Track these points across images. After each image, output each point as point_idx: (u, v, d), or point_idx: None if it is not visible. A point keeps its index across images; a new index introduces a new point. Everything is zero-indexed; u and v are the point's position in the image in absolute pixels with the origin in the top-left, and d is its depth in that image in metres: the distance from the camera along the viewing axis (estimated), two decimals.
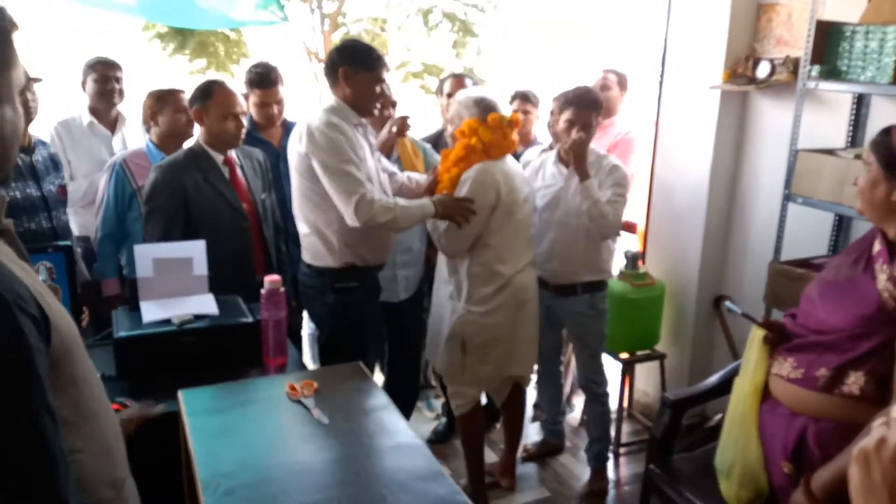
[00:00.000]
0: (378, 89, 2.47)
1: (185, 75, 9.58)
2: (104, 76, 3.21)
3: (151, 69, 9.12)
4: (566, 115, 2.75)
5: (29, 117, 2.38)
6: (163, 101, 2.91)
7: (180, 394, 1.72)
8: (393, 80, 9.38)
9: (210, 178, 2.59)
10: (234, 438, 1.53)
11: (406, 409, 3.13)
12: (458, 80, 3.39)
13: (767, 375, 1.96)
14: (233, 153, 2.69)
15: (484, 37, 9.76)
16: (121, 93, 3.28)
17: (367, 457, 1.49)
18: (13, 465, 0.84)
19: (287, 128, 3.16)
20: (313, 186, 2.39)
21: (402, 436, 1.56)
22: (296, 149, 2.41)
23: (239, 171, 2.70)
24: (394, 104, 3.04)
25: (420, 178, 2.80)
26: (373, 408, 1.69)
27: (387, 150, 2.86)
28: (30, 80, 0.98)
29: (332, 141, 2.31)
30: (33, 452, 0.85)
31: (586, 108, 2.73)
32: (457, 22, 9.41)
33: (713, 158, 3.10)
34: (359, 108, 2.45)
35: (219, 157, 2.63)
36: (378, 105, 2.56)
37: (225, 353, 2.15)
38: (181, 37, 8.75)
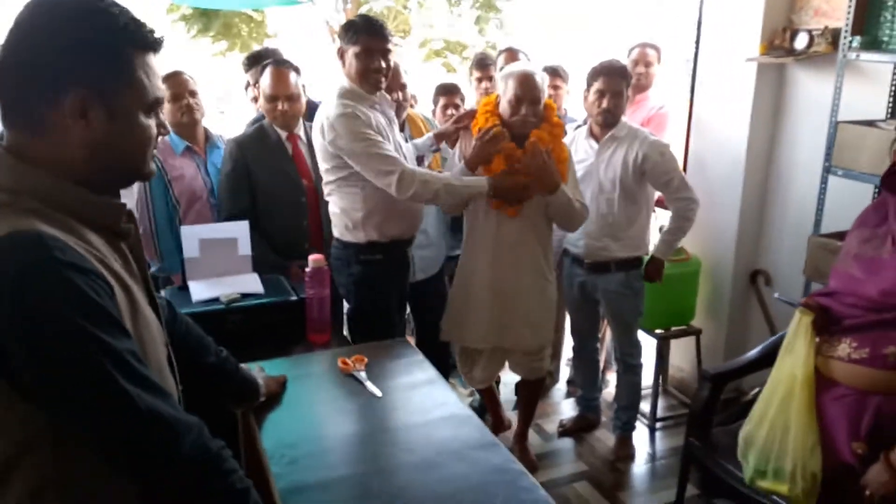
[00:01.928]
0: (372, 61, 2.37)
1: (209, 57, 9.62)
2: None
3: (175, 51, 9.17)
4: (596, 86, 2.76)
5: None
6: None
7: None
8: (414, 59, 9.35)
9: (272, 152, 2.72)
10: (294, 411, 1.59)
11: None
12: (511, 54, 3.38)
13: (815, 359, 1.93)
14: (300, 130, 2.78)
15: (507, 11, 9.66)
16: None
17: (422, 427, 1.53)
18: (102, 424, 0.89)
19: (311, 107, 3.18)
20: (337, 173, 2.44)
21: (453, 407, 1.60)
22: (318, 141, 2.44)
23: (303, 148, 2.77)
24: (402, 86, 2.93)
25: (419, 142, 2.82)
26: (423, 381, 1.73)
27: (451, 142, 2.82)
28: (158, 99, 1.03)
29: (351, 127, 2.31)
30: (116, 411, 0.89)
31: (615, 75, 2.73)
32: None
33: (750, 132, 3.08)
34: (361, 84, 2.40)
35: (283, 133, 2.74)
36: (377, 76, 2.39)
37: (271, 331, 2.21)
38: (206, 18, 8.78)
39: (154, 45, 1.01)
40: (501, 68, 3.23)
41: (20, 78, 0.94)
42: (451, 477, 1.36)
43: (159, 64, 1.04)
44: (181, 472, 0.93)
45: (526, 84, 2.47)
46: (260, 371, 1.67)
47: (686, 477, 2.51)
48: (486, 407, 3.09)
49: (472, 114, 2.70)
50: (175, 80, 2.81)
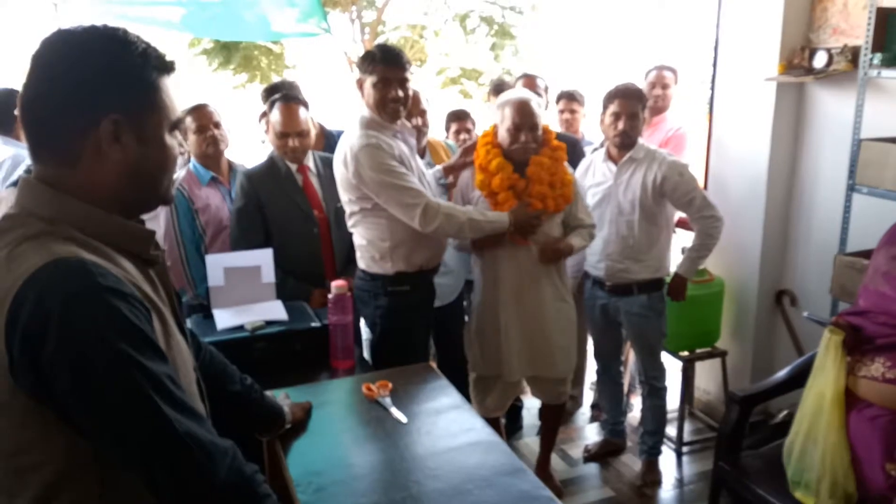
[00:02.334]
0: (389, 90, 2.38)
1: (230, 89, 9.81)
2: None
3: (197, 84, 9.37)
4: (611, 108, 2.77)
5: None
6: (182, 122, 2.91)
7: None
8: (430, 86, 9.45)
9: (283, 185, 2.71)
10: (319, 438, 1.58)
11: None
12: (530, 81, 3.40)
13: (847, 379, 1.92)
14: (309, 161, 2.78)
15: (521, 38, 9.77)
16: None
17: (449, 453, 1.52)
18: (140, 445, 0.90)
19: (327, 137, 3.21)
20: (361, 204, 2.43)
21: (480, 433, 1.59)
22: (340, 171, 2.43)
23: (313, 179, 2.78)
24: (422, 112, 2.96)
25: (436, 170, 2.80)
26: (448, 406, 1.72)
27: (454, 172, 2.82)
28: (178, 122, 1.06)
29: (375, 158, 2.32)
30: (151, 431, 0.90)
31: (630, 98, 2.73)
32: (494, 25, 9.44)
33: (771, 151, 3.07)
34: (379, 113, 2.42)
35: (293, 165, 2.73)
36: (395, 105, 2.40)
37: (296, 357, 2.21)
38: (227, 51, 8.97)
39: (171, 67, 1.04)
40: None
41: (49, 111, 0.96)
42: (480, 503, 1.35)
43: (182, 96, 1.07)
44: (218, 497, 0.93)
45: (523, 111, 2.49)
46: (285, 398, 1.67)
47: (716, 502, 2.46)
48: None
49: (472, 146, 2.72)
50: (200, 113, 2.87)
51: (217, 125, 2.89)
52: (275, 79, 9.66)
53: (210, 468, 0.92)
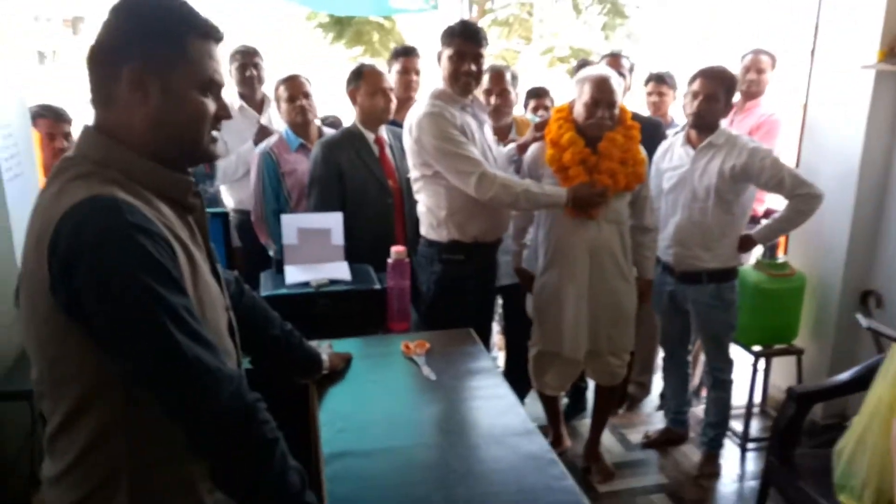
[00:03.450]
0: (462, 64, 2.44)
1: (345, 61, 10.15)
2: (243, 64, 3.47)
3: (315, 55, 9.77)
4: (692, 88, 2.70)
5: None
6: (278, 90, 3.08)
7: None
8: (538, 65, 9.37)
9: (362, 154, 2.82)
10: (351, 386, 1.71)
11: (520, 392, 3.03)
12: (615, 60, 3.37)
13: None
14: (383, 133, 2.89)
15: (635, 19, 9.48)
16: (260, 78, 3.52)
17: (467, 411, 1.61)
18: (158, 377, 1.03)
19: None
20: (423, 171, 2.52)
21: (501, 395, 1.67)
22: (406, 139, 2.53)
23: (388, 151, 2.89)
24: (502, 92, 3.01)
25: (503, 151, 2.82)
26: (478, 369, 1.80)
27: (505, 137, 2.87)
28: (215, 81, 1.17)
29: (437, 126, 2.40)
30: (172, 361, 1.02)
31: (712, 78, 2.65)
32: (607, 4, 9.22)
33: (865, 141, 2.90)
34: (452, 86, 2.48)
35: (370, 136, 2.85)
36: (467, 79, 2.46)
37: (355, 316, 2.35)
38: (340, 26, 9.29)
39: (213, 32, 1.14)
40: None
41: (97, 58, 1.10)
42: (486, 458, 1.43)
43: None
44: (219, 417, 1.05)
45: (602, 87, 2.48)
46: (328, 348, 1.81)
47: (764, 498, 2.41)
48: (548, 420, 3.05)
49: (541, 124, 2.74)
50: (292, 83, 3.05)
51: (307, 95, 3.06)
52: (386, 54, 9.91)
53: (214, 390, 1.04)
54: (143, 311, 1.00)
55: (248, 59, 3.48)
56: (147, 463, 1.10)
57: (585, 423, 3.32)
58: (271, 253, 3.11)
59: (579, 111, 2.55)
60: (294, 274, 2.49)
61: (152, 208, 1.09)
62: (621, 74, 3.21)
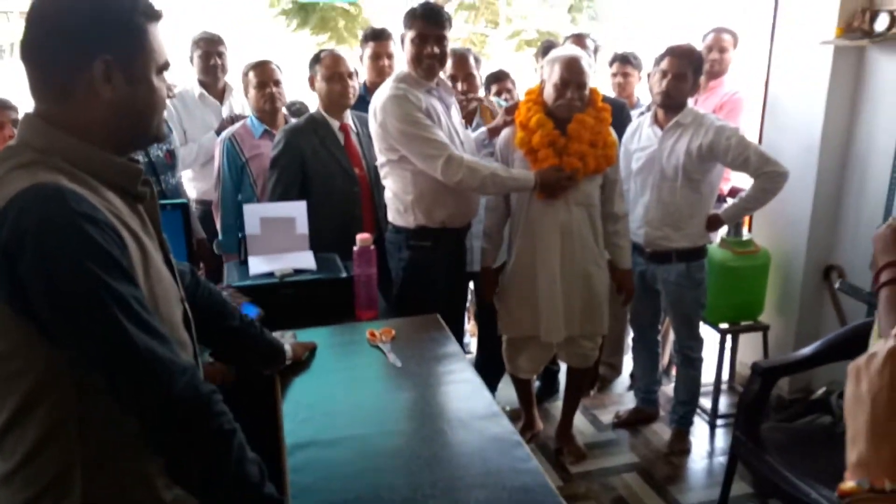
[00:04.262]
0: (425, 47, 2.42)
1: (310, 48, 10.02)
2: (207, 52, 3.39)
3: (278, 43, 9.62)
4: (661, 66, 2.71)
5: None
6: (247, 75, 3.02)
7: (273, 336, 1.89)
8: (505, 49, 9.33)
9: (326, 142, 2.77)
10: (316, 375, 1.69)
11: (491, 381, 3.08)
12: (579, 40, 3.34)
13: None
14: (349, 120, 2.84)
15: (600, 1, 9.50)
16: (223, 67, 3.44)
17: (433, 397, 1.59)
18: (109, 364, 1.00)
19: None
20: (389, 155, 2.50)
21: (467, 380, 1.66)
22: (372, 123, 2.50)
23: (354, 138, 2.85)
24: (468, 76, 2.99)
25: (473, 136, 2.81)
26: (444, 355, 1.79)
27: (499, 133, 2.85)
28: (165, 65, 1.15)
29: (402, 109, 2.37)
30: (119, 349, 0.99)
31: (679, 57, 2.66)
32: None
33: (825, 118, 2.94)
34: (416, 69, 2.46)
35: (335, 123, 2.80)
36: (431, 62, 2.44)
37: (321, 305, 2.32)
38: (304, 13, 9.16)
39: (158, 15, 1.13)
40: None
41: (46, 53, 1.06)
42: (451, 442, 1.42)
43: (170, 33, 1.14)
44: (173, 409, 1.02)
45: (572, 68, 2.47)
46: (291, 338, 1.78)
47: (732, 473, 2.44)
48: (520, 403, 3.05)
49: (513, 107, 2.72)
50: (262, 69, 3.00)
51: (277, 83, 3.01)
52: (351, 41, 9.80)
53: (166, 381, 1.01)
54: (90, 302, 0.97)
55: (212, 48, 3.40)
56: (101, 458, 1.07)
57: (557, 406, 3.34)
58: (216, 250, 3.07)
59: (549, 92, 2.53)
60: (258, 265, 2.44)
61: (99, 197, 1.05)
62: (587, 54, 3.21)
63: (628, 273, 2.77)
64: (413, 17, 2.46)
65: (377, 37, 3.30)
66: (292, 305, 2.29)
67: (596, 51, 3.46)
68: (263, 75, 2.98)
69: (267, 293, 2.30)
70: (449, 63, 2.97)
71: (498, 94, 3.34)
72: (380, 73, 3.24)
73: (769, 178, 2.68)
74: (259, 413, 1.75)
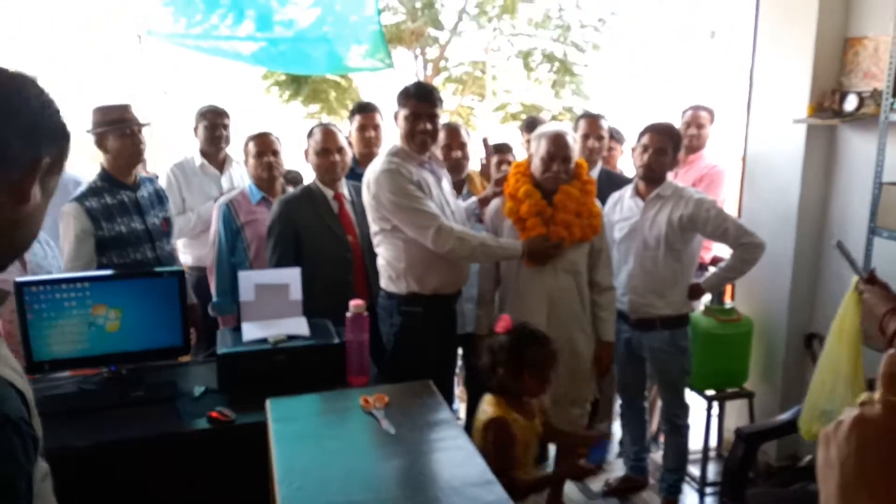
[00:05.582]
0: (418, 124, 2.53)
1: (301, 119, 10.26)
2: (213, 123, 3.52)
3: (272, 113, 9.85)
4: (642, 141, 2.84)
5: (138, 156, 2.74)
6: (247, 146, 3.15)
7: (268, 402, 1.91)
8: (491, 121, 9.62)
9: (320, 211, 2.86)
10: (310, 442, 1.70)
11: None
12: (594, 122, 3.44)
13: None
14: (344, 189, 2.94)
15: (582, 75, 9.87)
16: (227, 139, 3.57)
17: (427, 464, 1.61)
18: None
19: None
20: (381, 224, 2.58)
21: (461, 446, 1.68)
22: (365, 195, 2.60)
23: (348, 206, 2.93)
24: (461, 146, 3.14)
25: (464, 205, 2.90)
26: (437, 421, 1.82)
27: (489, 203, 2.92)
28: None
29: (394, 182, 2.47)
30: None
31: (659, 133, 2.80)
32: (556, 62, 9.60)
33: (801, 192, 3.06)
34: (408, 144, 2.57)
35: (329, 193, 2.90)
36: (423, 137, 2.55)
37: (314, 371, 2.34)
38: (296, 84, 9.43)
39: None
40: (586, 134, 3.36)
41: None
42: None
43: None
44: None
45: (558, 143, 2.60)
46: None
47: None
48: None
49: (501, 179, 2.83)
50: (261, 140, 3.13)
51: (275, 153, 3.14)
52: (343, 112, 10.07)
53: None
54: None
55: (217, 120, 3.54)
56: None
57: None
58: (211, 312, 3.11)
59: (536, 165, 2.65)
60: (251, 331, 2.48)
61: None
62: (600, 137, 3.37)
63: (608, 345, 2.81)
64: (406, 97, 2.58)
65: (363, 109, 3.46)
66: (285, 371, 2.32)
67: (611, 133, 3.59)
68: (263, 145, 3.11)
69: (260, 359, 2.33)
70: (442, 134, 3.11)
71: (499, 164, 3.47)
72: (367, 145, 3.39)
73: (747, 249, 2.78)
74: (253, 479, 1.76)
